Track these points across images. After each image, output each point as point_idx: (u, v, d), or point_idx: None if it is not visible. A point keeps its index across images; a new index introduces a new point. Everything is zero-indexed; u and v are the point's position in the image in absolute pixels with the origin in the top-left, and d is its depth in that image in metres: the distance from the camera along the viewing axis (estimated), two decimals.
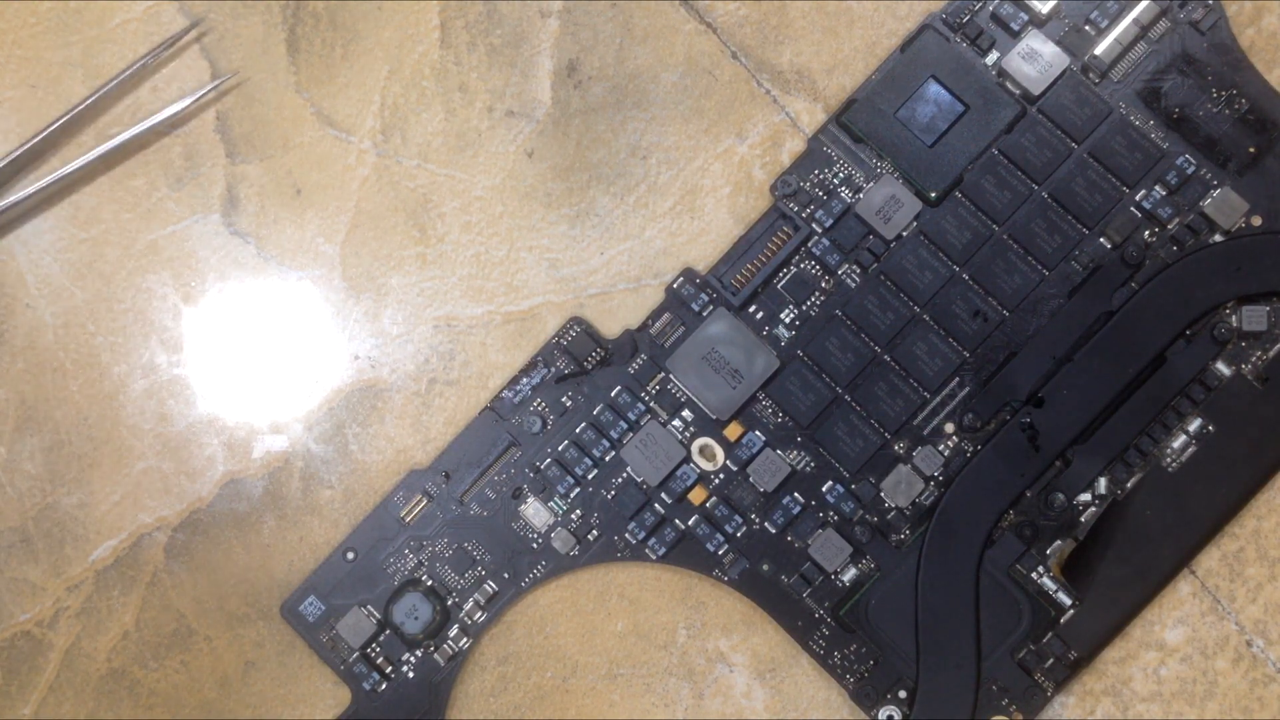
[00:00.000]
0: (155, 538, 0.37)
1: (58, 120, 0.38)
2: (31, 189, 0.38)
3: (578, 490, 0.37)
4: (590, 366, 0.37)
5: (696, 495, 0.36)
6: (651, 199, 0.38)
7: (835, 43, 0.38)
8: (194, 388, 0.38)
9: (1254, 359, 0.36)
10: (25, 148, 0.38)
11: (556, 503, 0.37)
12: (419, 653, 0.36)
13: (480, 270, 0.38)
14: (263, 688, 0.37)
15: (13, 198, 0.38)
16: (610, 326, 0.38)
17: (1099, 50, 0.36)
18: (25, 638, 0.37)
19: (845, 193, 0.37)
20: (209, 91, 0.39)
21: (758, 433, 0.36)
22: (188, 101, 0.38)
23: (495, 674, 0.37)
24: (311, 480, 0.37)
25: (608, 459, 0.37)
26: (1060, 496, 0.35)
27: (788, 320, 0.37)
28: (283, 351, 0.38)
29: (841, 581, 0.36)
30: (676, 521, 0.36)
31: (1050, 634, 0.35)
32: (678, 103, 0.38)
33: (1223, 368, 0.36)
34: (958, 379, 0.36)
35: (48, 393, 0.38)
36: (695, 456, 0.36)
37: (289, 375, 0.38)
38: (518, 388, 0.37)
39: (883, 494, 0.36)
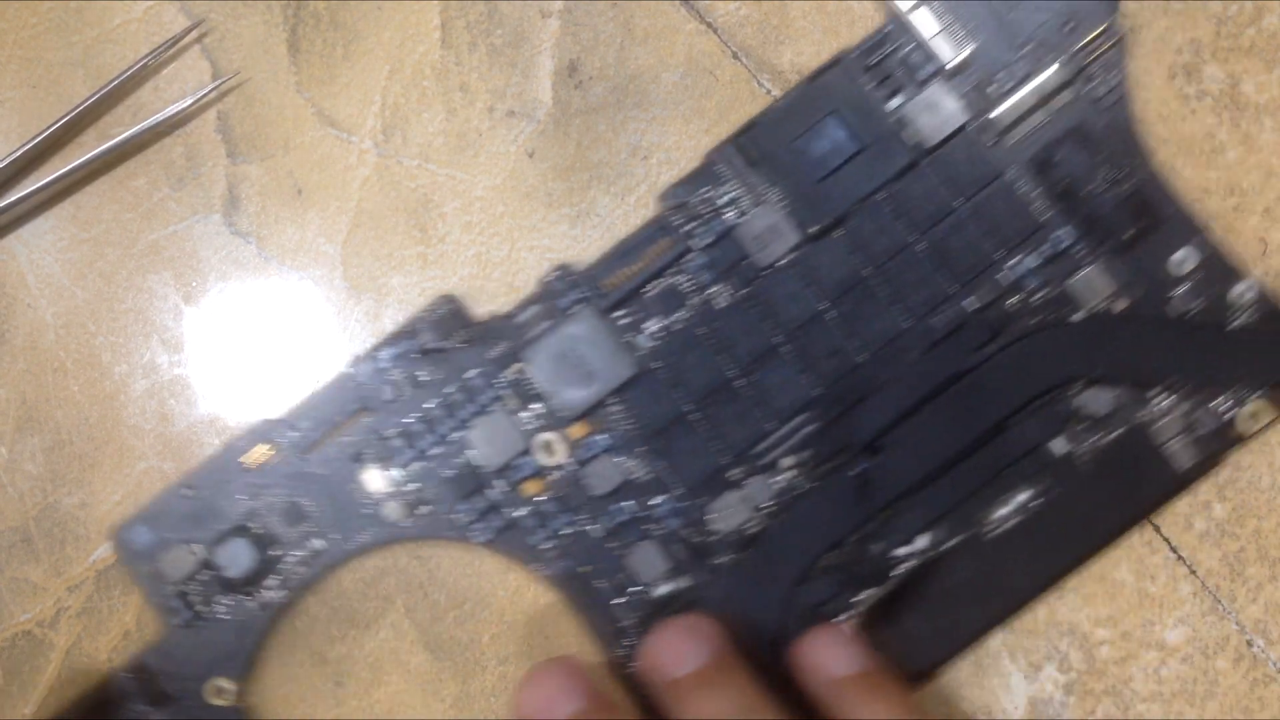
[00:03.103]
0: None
1: (59, 120, 0.39)
2: (32, 189, 0.38)
3: (418, 463, 0.37)
4: (450, 345, 0.37)
5: (531, 487, 0.37)
6: (653, 199, 0.38)
7: (836, 43, 0.38)
8: (195, 388, 0.39)
9: (1091, 441, 0.36)
10: (26, 148, 0.39)
11: (395, 472, 0.37)
12: (235, 597, 0.37)
13: (481, 270, 0.38)
14: (263, 687, 0.38)
15: (13, 197, 0.38)
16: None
17: (998, 112, 0.36)
18: (26, 638, 0.38)
19: (730, 214, 0.37)
20: (210, 91, 0.39)
21: (602, 436, 0.37)
22: (189, 101, 0.39)
23: (496, 674, 0.37)
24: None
25: (451, 438, 0.37)
26: (879, 546, 0.36)
27: (651, 330, 0.37)
28: (284, 351, 0.39)
29: (655, 594, 0.36)
30: (507, 510, 0.37)
31: None
32: (679, 103, 0.38)
33: (1060, 446, 0.36)
34: (805, 415, 0.36)
35: (48, 393, 0.39)
36: (537, 449, 0.37)
37: (290, 375, 0.38)
38: (379, 355, 0.37)
39: (710, 516, 0.36)
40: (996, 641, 0.36)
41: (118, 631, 0.38)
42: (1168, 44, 0.37)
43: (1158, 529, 0.36)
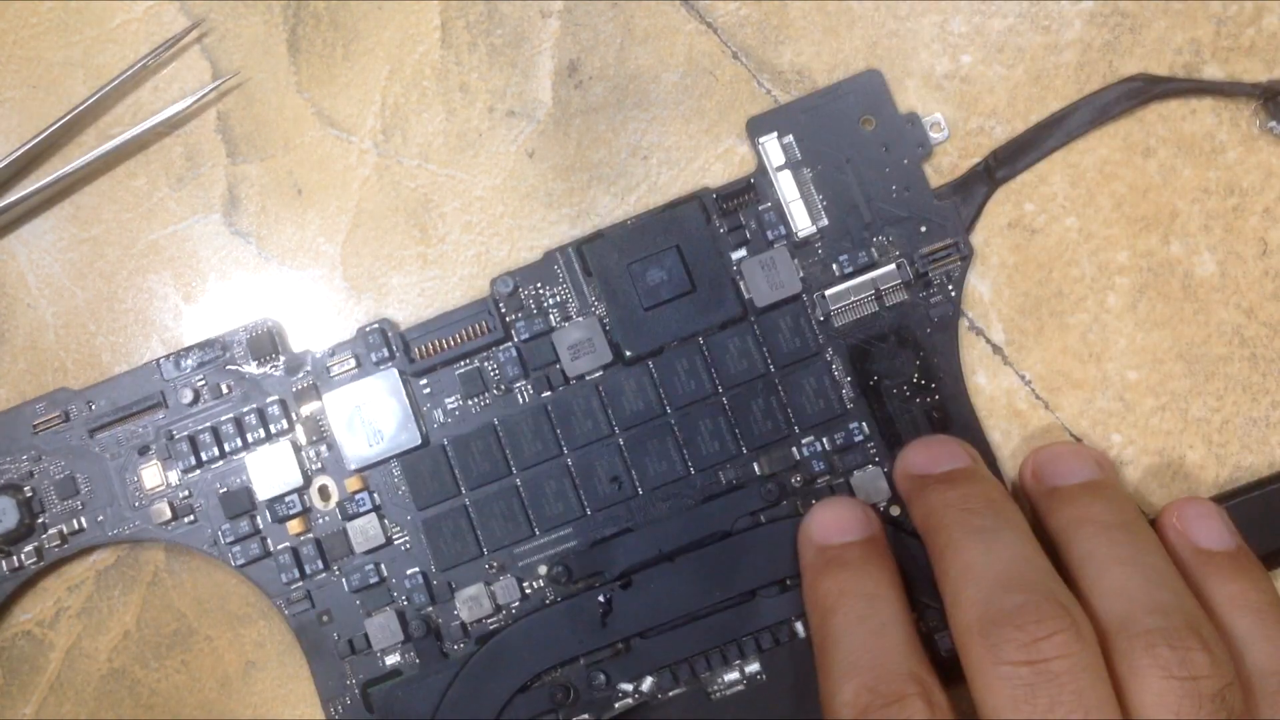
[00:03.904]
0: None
1: (59, 120, 0.39)
2: (32, 189, 0.39)
3: (196, 472, 0.38)
4: (260, 369, 0.37)
5: (295, 526, 0.37)
6: (653, 199, 0.38)
7: (835, 43, 0.38)
8: None
9: None
10: (26, 148, 0.39)
11: (174, 475, 0.38)
12: None
13: (481, 270, 0.38)
14: (263, 688, 0.38)
15: (13, 197, 0.39)
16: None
17: (832, 292, 0.36)
18: (26, 637, 0.38)
19: (554, 315, 0.37)
20: (210, 91, 0.39)
21: (374, 495, 0.37)
22: (189, 101, 0.39)
23: None
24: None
25: (235, 457, 0.37)
26: (603, 677, 0.36)
27: (449, 407, 0.37)
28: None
29: (383, 662, 0.37)
30: (267, 540, 0.37)
31: None
32: (678, 103, 0.38)
33: (800, 628, 0.36)
34: (570, 529, 0.37)
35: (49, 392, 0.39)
36: (311, 490, 0.37)
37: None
38: (188, 356, 0.38)
39: (455, 601, 0.37)
40: None
41: (118, 631, 0.38)
42: (1168, 44, 0.38)
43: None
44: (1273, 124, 0.36)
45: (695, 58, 0.39)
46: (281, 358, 0.38)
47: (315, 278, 0.39)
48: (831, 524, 0.34)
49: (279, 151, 0.39)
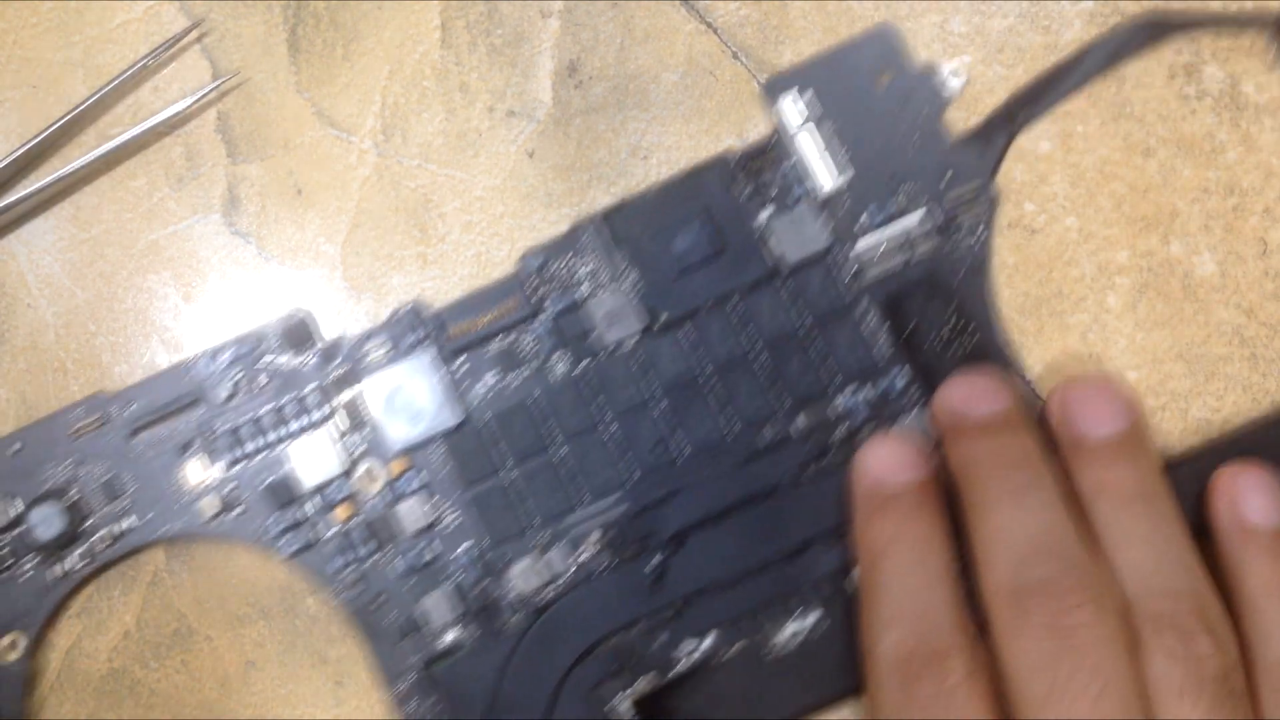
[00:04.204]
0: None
1: (59, 120, 0.39)
2: (32, 189, 0.39)
3: (240, 465, 0.38)
4: (296, 358, 0.38)
5: (343, 512, 0.37)
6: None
7: (836, 43, 0.38)
8: None
9: None
10: (26, 148, 0.39)
11: (217, 470, 0.38)
12: (39, 559, 0.38)
13: (481, 270, 0.38)
14: (263, 688, 0.38)
15: (13, 197, 0.39)
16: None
17: (861, 245, 0.37)
18: None
19: (585, 287, 0.37)
20: (210, 91, 0.39)
21: (420, 475, 0.37)
22: (189, 101, 0.39)
23: None
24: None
25: (277, 448, 0.38)
26: (664, 637, 0.36)
27: (488, 383, 0.37)
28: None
29: (441, 640, 0.37)
30: (315, 529, 0.38)
31: None
32: (678, 103, 0.38)
33: (855, 579, 0.37)
34: (618, 495, 0.37)
35: (49, 392, 0.39)
36: (355, 475, 0.38)
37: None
38: (224, 352, 0.38)
39: (510, 575, 0.37)
40: None
41: (118, 631, 0.38)
42: (1167, 44, 0.38)
43: None
44: None
45: (695, 58, 0.39)
46: (316, 346, 0.38)
47: (315, 278, 0.39)
48: (885, 462, 0.35)
49: (279, 151, 0.39)
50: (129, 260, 0.39)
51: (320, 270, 0.39)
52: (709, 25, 0.39)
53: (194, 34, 0.40)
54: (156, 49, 0.40)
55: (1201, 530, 0.33)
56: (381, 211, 0.39)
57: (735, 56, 0.39)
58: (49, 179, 0.39)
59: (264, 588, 0.38)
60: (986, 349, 0.37)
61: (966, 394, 0.35)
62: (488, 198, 0.39)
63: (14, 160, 0.39)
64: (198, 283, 0.39)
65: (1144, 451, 0.34)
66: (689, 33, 0.39)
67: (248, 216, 0.39)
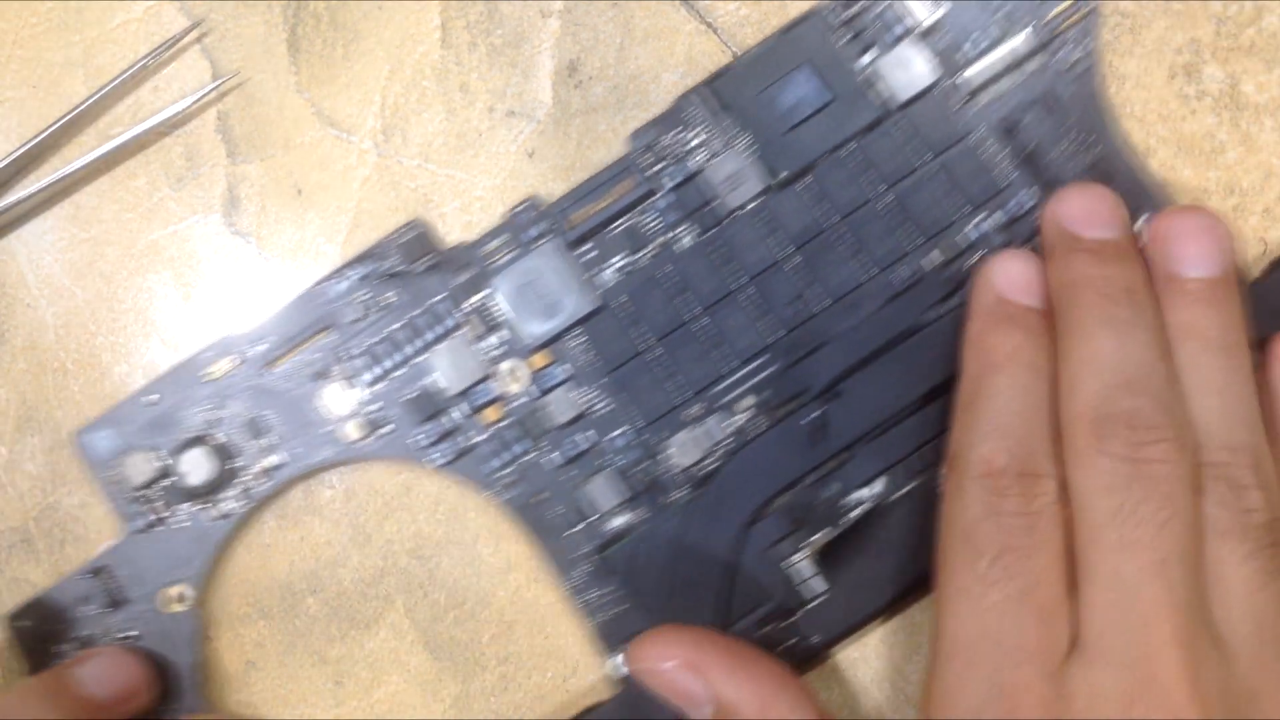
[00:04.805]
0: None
1: (59, 120, 0.39)
2: (32, 189, 0.39)
3: (380, 384, 0.37)
4: (419, 269, 0.37)
5: (491, 413, 0.37)
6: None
7: None
8: None
9: None
10: (26, 148, 0.39)
11: (357, 391, 0.37)
12: (195, 506, 0.37)
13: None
14: (263, 687, 0.38)
15: (13, 198, 0.39)
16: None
17: (969, 73, 0.37)
18: None
19: (699, 156, 0.37)
20: (210, 91, 0.39)
21: (563, 366, 0.37)
22: (188, 101, 0.39)
23: (496, 674, 0.37)
24: (312, 480, 0.38)
25: (415, 361, 0.37)
26: (834, 488, 0.36)
27: (616, 266, 0.37)
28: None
29: (610, 526, 0.37)
30: (466, 434, 0.37)
31: (793, 618, 0.36)
32: None
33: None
34: (765, 357, 0.37)
35: (49, 393, 0.39)
36: (499, 376, 0.37)
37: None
38: (346, 274, 0.38)
39: (668, 451, 0.37)
40: None
41: None
42: (1168, 44, 0.38)
43: None
44: None
45: (695, 58, 0.39)
46: (435, 256, 0.38)
47: (315, 278, 0.38)
48: (1017, 280, 0.35)
49: (279, 151, 0.39)
50: (129, 260, 0.39)
51: (320, 270, 0.39)
52: (709, 25, 0.39)
53: (194, 34, 0.40)
54: (156, 49, 0.39)
55: None
56: (381, 211, 0.39)
57: (735, 57, 0.39)
58: (49, 179, 0.39)
59: (264, 588, 0.38)
60: (1111, 158, 0.37)
61: (1080, 212, 0.35)
62: (488, 198, 0.39)
63: (14, 160, 0.39)
64: (198, 283, 0.39)
65: (1233, 298, 0.34)
66: (689, 33, 0.39)
67: (248, 216, 0.39)
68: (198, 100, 0.39)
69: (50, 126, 0.39)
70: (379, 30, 0.40)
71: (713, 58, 0.39)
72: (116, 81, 0.39)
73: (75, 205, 0.40)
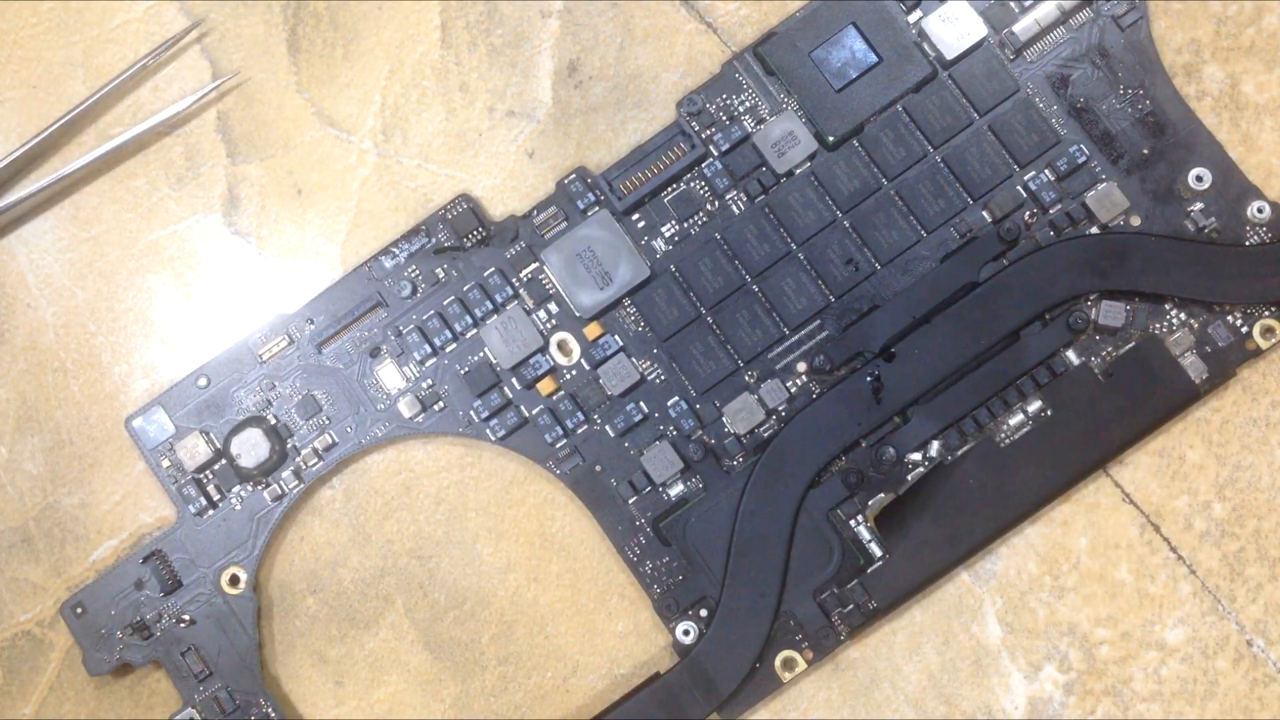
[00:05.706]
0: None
1: (59, 120, 0.39)
2: (32, 189, 0.39)
3: (433, 360, 0.37)
4: (469, 244, 0.37)
5: (546, 386, 0.37)
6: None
7: None
8: None
9: (1103, 353, 0.36)
10: (26, 147, 0.39)
11: (411, 368, 0.37)
12: (250, 487, 0.37)
13: None
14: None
15: (13, 197, 0.39)
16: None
17: (1017, 27, 0.37)
18: (26, 637, 0.38)
19: (747, 121, 0.37)
20: (210, 91, 0.39)
21: (616, 337, 0.37)
22: (188, 101, 0.39)
23: (496, 674, 0.37)
24: (312, 481, 0.38)
25: (468, 335, 0.37)
26: (891, 451, 0.36)
27: (667, 234, 0.37)
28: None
29: (667, 495, 0.37)
30: (521, 408, 0.37)
31: (855, 581, 0.36)
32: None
33: (1072, 356, 0.36)
34: (819, 321, 0.37)
35: (49, 392, 0.39)
36: (552, 348, 0.37)
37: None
38: (395, 251, 0.37)
39: (724, 418, 0.36)
40: (996, 641, 0.36)
41: None
42: (1168, 44, 0.38)
43: (1157, 528, 0.36)
44: None
45: (695, 58, 0.39)
46: (485, 229, 0.37)
47: (315, 278, 0.38)
48: None
49: (279, 151, 0.39)
50: (129, 260, 0.39)
51: (320, 270, 0.39)
52: (709, 25, 0.39)
53: (194, 34, 0.40)
54: (156, 49, 0.39)
55: None
56: (381, 211, 0.39)
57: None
58: (49, 179, 0.39)
59: (263, 587, 0.38)
60: (1162, 110, 0.36)
61: None
62: (488, 197, 0.39)
63: (14, 160, 0.39)
64: (197, 283, 0.39)
65: None
66: (689, 33, 0.39)
67: (248, 216, 0.39)
68: (198, 100, 0.39)
69: (50, 126, 0.39)
70: (379, 30, 0.39)
71: (713, 58, 0.39)
72: (116, 81, 0.39)
73: (75, 205, 0.39)
